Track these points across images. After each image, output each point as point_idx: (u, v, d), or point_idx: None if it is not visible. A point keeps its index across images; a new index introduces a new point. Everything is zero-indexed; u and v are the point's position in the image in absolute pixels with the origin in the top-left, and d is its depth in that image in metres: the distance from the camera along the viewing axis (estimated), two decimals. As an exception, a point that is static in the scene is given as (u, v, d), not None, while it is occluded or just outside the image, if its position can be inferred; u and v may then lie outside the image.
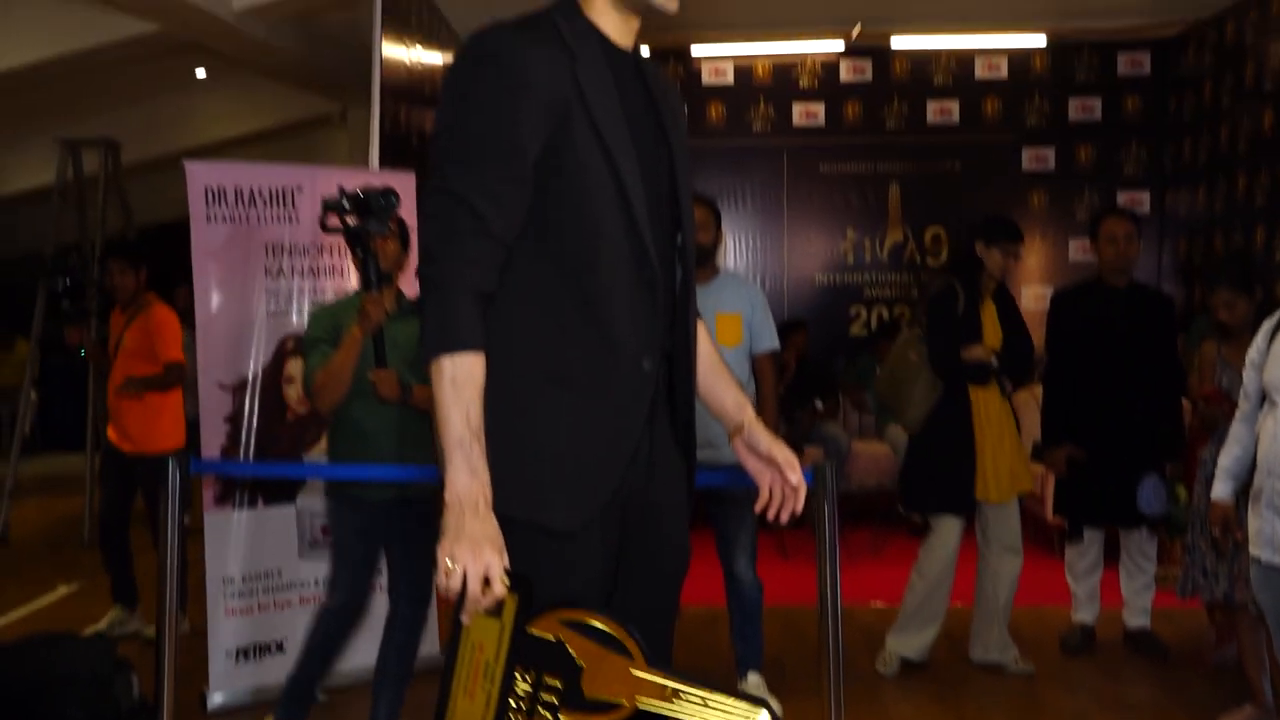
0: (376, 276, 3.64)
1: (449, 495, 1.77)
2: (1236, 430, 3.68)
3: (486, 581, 1.73)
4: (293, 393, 4.68)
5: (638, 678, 1.78)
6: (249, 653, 4.54)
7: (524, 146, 1.88)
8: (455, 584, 1.71)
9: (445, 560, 1.72)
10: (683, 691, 1.80)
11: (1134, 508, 4.87)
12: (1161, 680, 4.69)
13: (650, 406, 2.04)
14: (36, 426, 9.85)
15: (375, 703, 3.85)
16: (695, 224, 2.22)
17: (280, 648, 4.59)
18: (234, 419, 4.56)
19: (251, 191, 4.60)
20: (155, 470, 5.22)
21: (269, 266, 4.64)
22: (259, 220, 4.62)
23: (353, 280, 4.82)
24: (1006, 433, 4.71)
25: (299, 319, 4.68)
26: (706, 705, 1.81)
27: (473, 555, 1.72)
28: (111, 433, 5.51)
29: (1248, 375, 3.64)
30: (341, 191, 3.63)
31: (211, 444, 4.51)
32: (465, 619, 1.75)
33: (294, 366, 4.68)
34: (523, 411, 1.93)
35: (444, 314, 1.83)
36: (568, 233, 1.94)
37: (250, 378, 4.59)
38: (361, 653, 4.23)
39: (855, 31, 8.68)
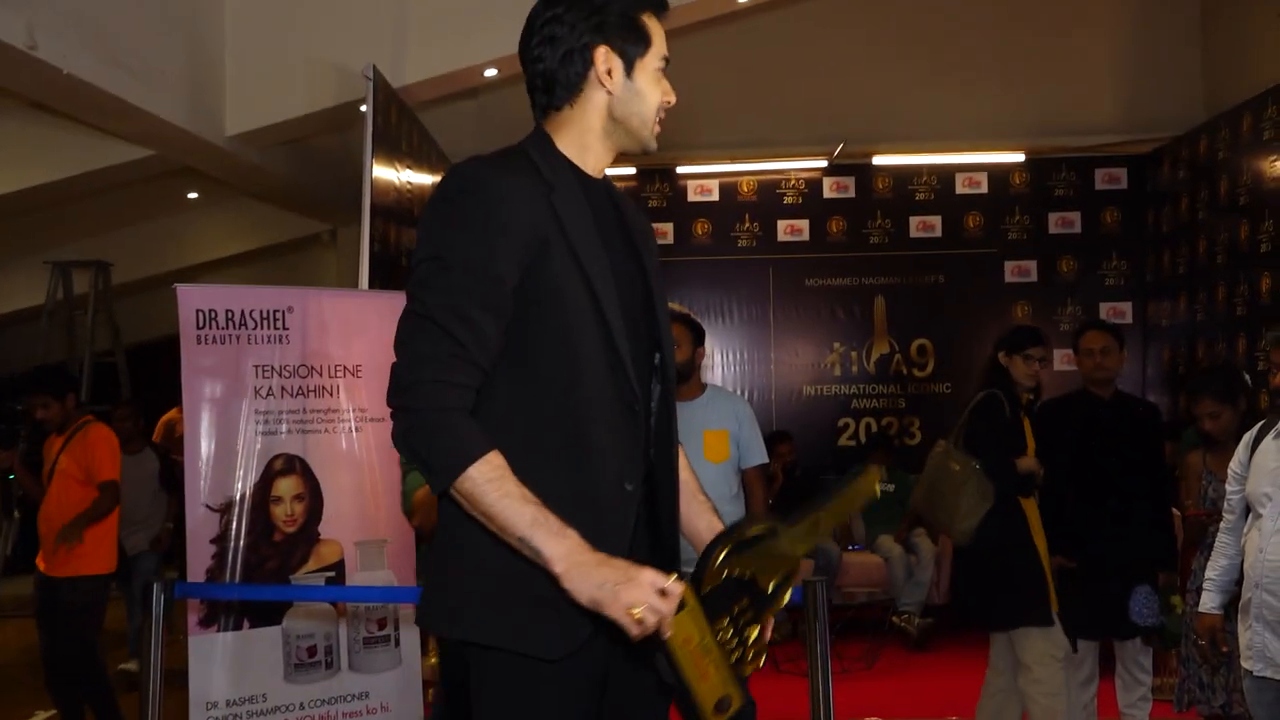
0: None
1: (560, 569, 1.81)
2: (1222, 542, 3.69)
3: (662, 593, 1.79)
4: (280, 512, 4.67)
5: (791, 541, 1.96)
6: (232, 780, 4.46)
7: (501, 276, 1.92)
8: (652, 618, 1.78)
9: (628, 613, 1.77)
10: (822, 515, 2.02)
11: (1127, 619, 4.85)
12: (1161, 797, 4.64)
13: (633, 528, 2.05)
14: (18, 546, 9.76)
15: None
16: (673, 341, 2.25)
17: (264, 774, 4.51)
18: (220, 540, 4.54)
19: (242, 313, 4.64)
20: (82, 592, 5.20)
21: (258, 387, 4.66)
22: (249, 341, 4.66)
23: (344, 401, 4.85)
24: (1044, 542, 4.64)
25: (288, 439, 4.69)
26: (845, 500, 2.08)
27: (636, 587, 1.78)
28: (41, 562, 5.36)
29: (1231, 487, 3.67)
30: None
31: (197, 566, 4.49)
32: (667, 633, 1.80)
33: (282, 486, 4.68)
34: (484, 545, 1.93)
35: (443, 436, 1.85)
36: (546, 358, 1.97)
37: (238, 498, 4.58)
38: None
39: (837, 151, 8.87)
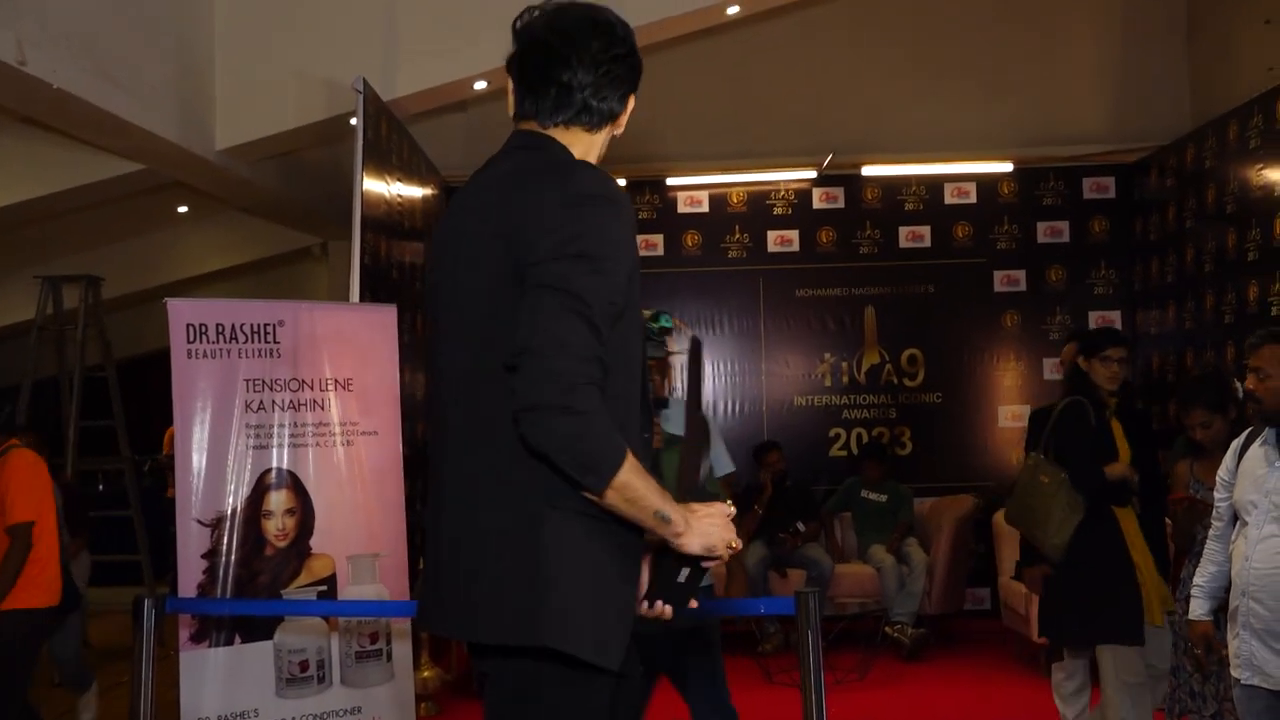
0: (655, 402, 3.66)
1: (680, 529, 2.04)
2: (1210, 549, 3.71)
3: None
4: (272, 527, 4.67)
5: None
6: (224, 795, 4.46)
7: (627, 291, 2.04)
8: (739, 543, 2.13)
9: (727, 549, 2.10)
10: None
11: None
12: (1153, 805, 4.63)
13: None
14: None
15: None
16: None
17: (256, 789, 4.51)
18: (211, 555, 4.54)
19: (233, 327, 4.65)
20: (9, 626, 4.57)
21: (250, 401, 4.66)
22: (240, 355, 4.66)
23: (335, 414, 4.86)
24: (1148, 552, 4.54)
25: (279, 453, 4.70)
26: None
27: (729, 525, 2.10)
28: None
29: (1219, 495, 3.69)
30: None
31: (188, 581, 4.48)
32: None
33: (273, 500, 4.69)
34: (582, 549, 2.03)
35: (606, 436, 1.93)
36: (615, 374, 2.04)
37: (229, 513, 4.58)
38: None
39: (827, 161, 8.90)
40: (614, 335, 2.00)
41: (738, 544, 2.12)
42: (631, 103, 2.27)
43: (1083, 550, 4.49)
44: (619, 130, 2.28)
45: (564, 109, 2.19)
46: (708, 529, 2.06)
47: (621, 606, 2.07)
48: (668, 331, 3.64)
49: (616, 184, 2.11)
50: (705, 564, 2.12)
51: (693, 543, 2.04)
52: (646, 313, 3.61)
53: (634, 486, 1.95)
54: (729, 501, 2.14)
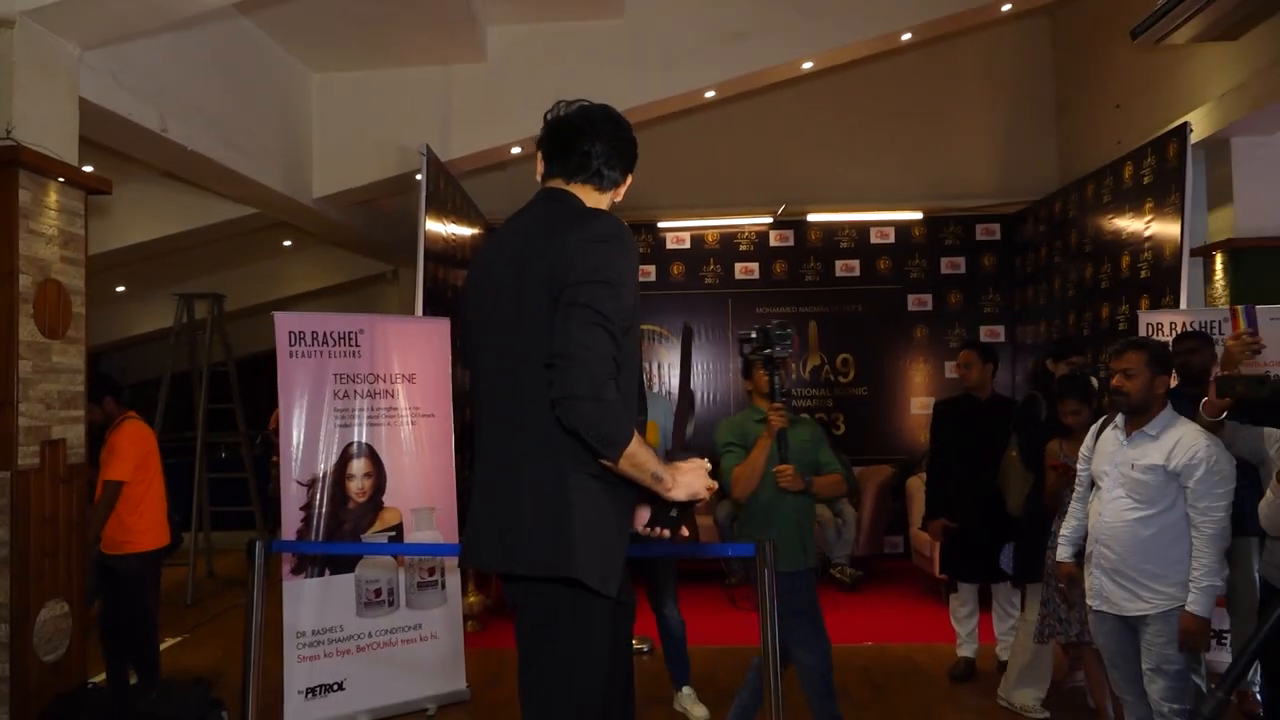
0: (780, 391, 3.62)
1: (670, 483, 2.04)
2: (1073, 508, 3.71)
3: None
4: (353, 486, 4.66)
5: None
6: (316, 691, 4.45)
7: (633, 308, 2.07)
8: (714, 484, 2.14)
9: (705, 489, 2.09)
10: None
11: (998, 567, 4.86)
12: (1027, 703, 4.63)
13: None
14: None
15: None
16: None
17: (340, 687, 4.50)
18: (307, 507, 4.54)
19: (324, 334, 4.65)
20: (132, 567, 4.58)
21: (337, 390, 4.66)
22: (329, 355, 4.66)
23: (402, 401, 4.85)
24: None
25: (359, 430, 4.69)
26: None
27: (701, 477, 2.09)
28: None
29: (1080, 467, 3.68)
30: (754, 328, 3.66)
31: (289, 527, 4.48)
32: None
33: (355, 466, 4.68)
34: (598, 504, 2.05)
35: (622, 419, 1.96)
36: (624, 378, 2.04)
37: (321, 475, 4.58)
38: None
39: (780, 210, 8.89)
40: (625, 348, 2.02)
41: (714, 485, 2.13)
42: (629, 179, 2.30)
43: (1031, 510, 4.51)
44: (618, 198, 2.31)
45: (582, 171, 2.22)
46: (689, 481, 2.07)
47: (619, 551, 2.08)
48: (788, 338, 3.61)
49: (626, 226, 2.12)
50: (697, 504, 2.15)
51: (679, 493, 2.05)
52: (772, 323, 3.61)
53: (639, 455, 1.97)
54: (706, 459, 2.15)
